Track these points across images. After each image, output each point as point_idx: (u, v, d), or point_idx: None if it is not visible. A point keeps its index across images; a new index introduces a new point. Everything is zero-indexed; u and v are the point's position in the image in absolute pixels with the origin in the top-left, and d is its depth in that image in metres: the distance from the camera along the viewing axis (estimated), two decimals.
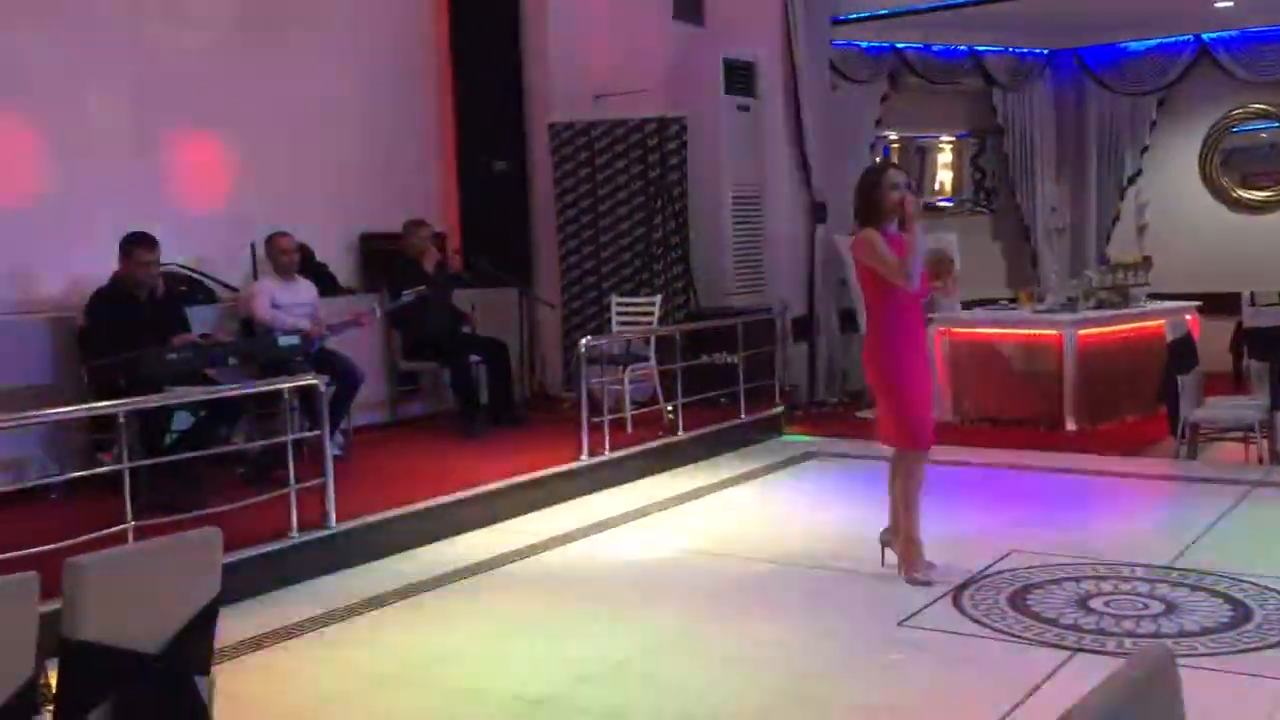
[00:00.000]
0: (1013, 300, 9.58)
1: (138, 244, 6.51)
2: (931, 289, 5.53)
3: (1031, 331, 8.76)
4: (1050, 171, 11.66)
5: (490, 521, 6.39)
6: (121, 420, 5.11)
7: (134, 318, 6.44)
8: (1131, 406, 8.82)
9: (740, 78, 9.75)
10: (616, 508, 6.79)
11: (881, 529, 5.40)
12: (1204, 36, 10.83)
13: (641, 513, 6.73)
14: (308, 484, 5.62)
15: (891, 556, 5.34)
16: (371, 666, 4.50)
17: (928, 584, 5.14)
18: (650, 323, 8.80)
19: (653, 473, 7.56)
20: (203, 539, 2.89)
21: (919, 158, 11.77)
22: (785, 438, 8.87)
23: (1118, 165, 11.60)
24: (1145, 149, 11.48)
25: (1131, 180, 11.52)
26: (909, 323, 5.22)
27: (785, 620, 4.85)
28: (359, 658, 4.61)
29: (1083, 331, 8.57)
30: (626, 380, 8.28)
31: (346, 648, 4.72)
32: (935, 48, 11.02)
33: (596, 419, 7.31)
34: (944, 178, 11.87)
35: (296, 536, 5.53)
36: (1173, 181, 11.38)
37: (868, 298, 5.33)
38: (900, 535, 5.29)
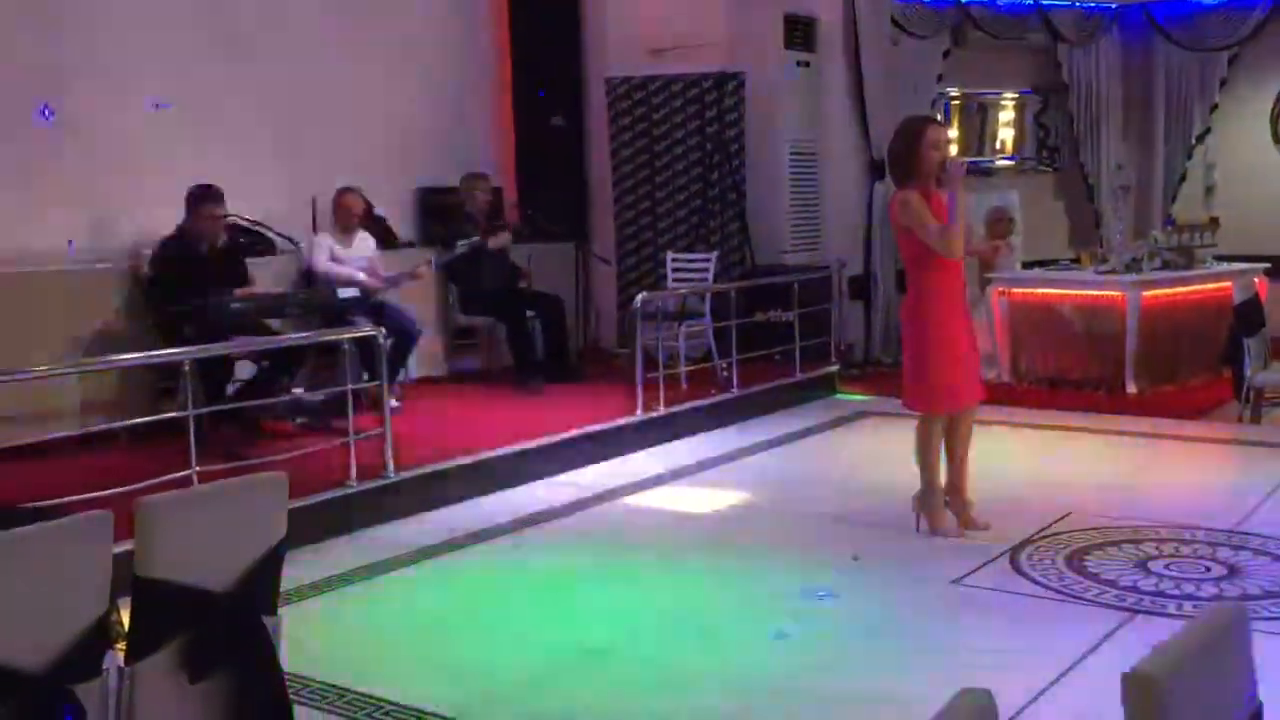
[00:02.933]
0: (1075, 260, 9.42)
1: (204, 197, 6.59)
2: (978, 251, 5.43)
3: (1093, 292, 8.60)
4: (1116, 130, 11.39)
5: (545, 474, 6.43)
6: (187, 367, 5.21)
7: (198, 269, 6.53)
8: (1194, 370, 8.66)
9: (800, 32, 9.61)
10: (670, 463, 6.81)
11: (914, 493, 5.37)
12: None
13: (695, 468, 6.74)
14: (367, 434, 5.69)
15: (924, 522, 5.34)
16: (427, 614, 4.57)
17: (958, 536, 5.21)
18: (706, 279, 8.78)
19: (706, 429, 7.56)
20: (270, 483, 2.94)
21: (980, 115, 11.56)
22: (839, 396, 8.83)
23: (1186, 123, 11.31)
24: (1214, 107, 11.18)
25: (1200, 139, 11.24)
26: (950, 286, 5.16)
27: (839, 576, 4.84)
28: (415, 605, 4.68)
29: (1146, 293, 8.41)
30: (681, 336, 8.28)
31: (403, 595, 4.80)
32: (1000, 2, 10.78)
33: (651, 375, 7.32)
34: (1005, 135, 11.65)
35: (355, 485, 5.62)
36: (1242, 141, 11.09)
37: (906, 259, 5.29)
38: (922, 492, 5.31)
